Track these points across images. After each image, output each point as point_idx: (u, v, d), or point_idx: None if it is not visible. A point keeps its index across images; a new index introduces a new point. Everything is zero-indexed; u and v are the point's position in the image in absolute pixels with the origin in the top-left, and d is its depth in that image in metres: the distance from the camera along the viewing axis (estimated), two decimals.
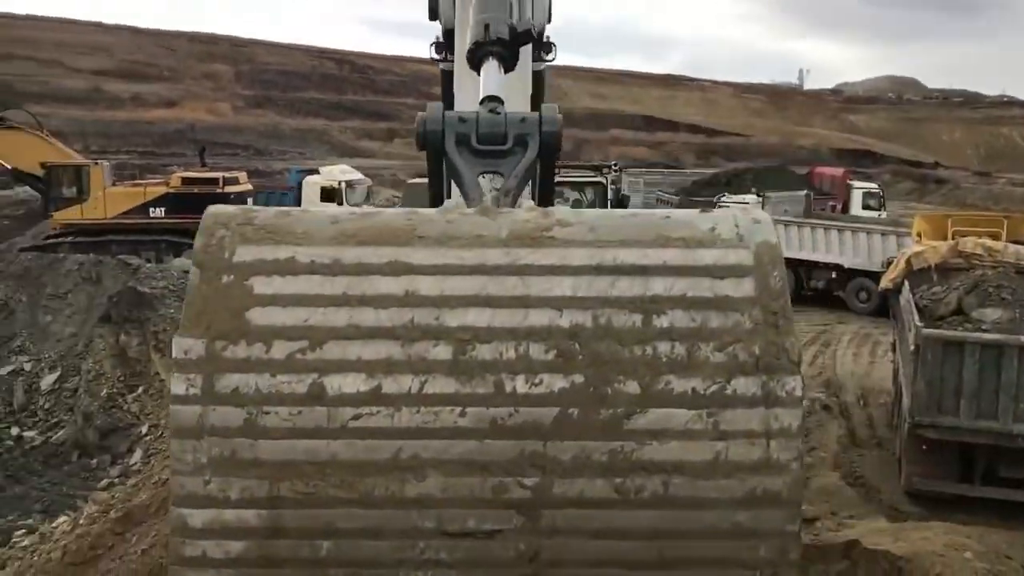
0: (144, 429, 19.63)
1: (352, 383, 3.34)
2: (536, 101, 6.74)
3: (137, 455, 18.86)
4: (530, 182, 4.72)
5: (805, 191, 35.93)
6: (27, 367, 22.18)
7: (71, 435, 19.94)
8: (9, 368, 22.14)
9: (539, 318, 3.38)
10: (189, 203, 30.03)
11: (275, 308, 3.40)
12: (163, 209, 30.09)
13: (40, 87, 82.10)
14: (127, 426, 19.83)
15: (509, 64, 4.97)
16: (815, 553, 11.26)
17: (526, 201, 4.27)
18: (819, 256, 28.16)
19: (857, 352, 22.36)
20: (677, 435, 3.33)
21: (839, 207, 38.93)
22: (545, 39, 7.08)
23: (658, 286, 3.48)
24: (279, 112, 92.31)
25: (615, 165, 13.46)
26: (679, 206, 29.89)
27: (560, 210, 3.95)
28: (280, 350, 3.35)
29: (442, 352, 3.33)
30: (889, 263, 18.95)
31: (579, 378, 3.34)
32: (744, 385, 3.37)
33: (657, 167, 63.78)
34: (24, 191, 43.84)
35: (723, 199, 32.83)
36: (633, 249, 3.55)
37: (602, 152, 77.31)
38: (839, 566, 11.09)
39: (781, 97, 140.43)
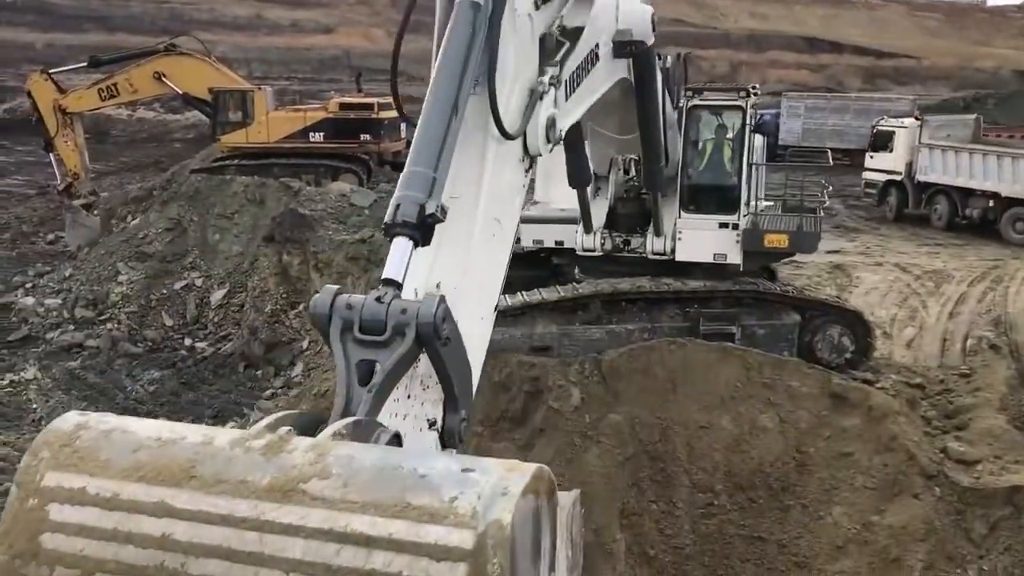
0: (304, 344, 20.64)
1: None
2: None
3: (298, 368, 19.89)
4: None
5: (976, 115, 33.54)
6: (198, 283, 23.61)
7: (238, 347, 21.20)
8: (182, 283, 23.62)
9: None
10: (347, 128, 30.87)
11: (60, 536, 3.58)
12: (322, 134, 31.02)
13: (207, 14, 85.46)
14: (289, 341, 20.89)
15: (422, 242, 4.93)
16: (975, 496, 10.81)
17: (334, 426, 4.05)
18: (975, 183, 26.81)
19: None
20: None
21: None
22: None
23: (378, 560, 3.32)
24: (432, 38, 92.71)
25: (755, 88, 12.90)
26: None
27: (336, 453, 3.75)
28: None
29: None
30: None
31: None
32: None
33: (819, 91, 60.77)
34: (194, 115, 46.14)
35: (881, 122, 31.12)
36: (367, 516, 3.43)
37: (759, 75, 74.21)
38: (1002, 512, 10.62)
39: (960, 15, 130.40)
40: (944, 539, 10.56)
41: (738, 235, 13.17)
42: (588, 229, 13.63)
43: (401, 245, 4.83)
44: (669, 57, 13.04)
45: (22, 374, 20.03)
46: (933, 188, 28.30)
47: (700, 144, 13.76)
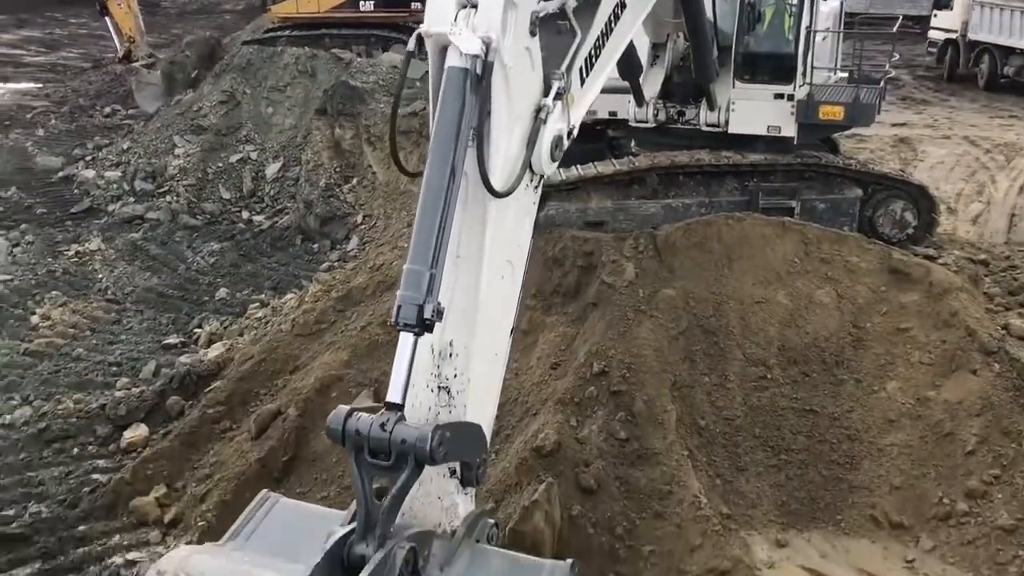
0: (359, 218, 20.79)
1: None
2: None
3: (354, 242, 20.10)
4: None
5: None
6: (253, 156, 23.73)
7: (294, 221, 21.46)
8: (237, 156, 23.77)
9: None
10: None
11: None
12: (372, 2, 30.40)
13: None
14: (344, 215, 21.05)
15: (424, 333, 5.54)
16: None
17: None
18: (1014, 41, 26.92)
19: None
20: None
21: None
22: None
23: None
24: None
25: None
26: None
27: None
28: None
29: None
30: None
31: None
32: None
33: None
34: None
35: None
36: None
37: None
38: None
39: None
40: (1000, 415, 10.49)
41: (793, 107, 12.74)
42: (639, 103, 13.32)
43: (406, 341, 5.51)
44: None
45: (87, 245, 20.57)
46: (980, 46, 28.57)
47: (757, 9, 13.19)
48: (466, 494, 6.23)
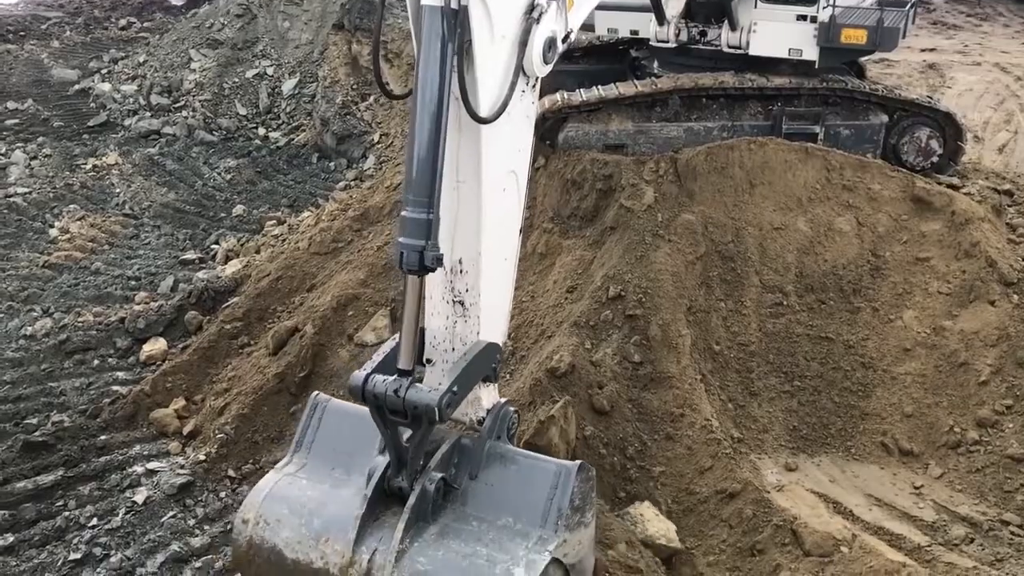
0: (376, 137, 20.63)
1: None
2: None
3: (370, 161, 19.99)
4: None
5: None
6: (269, 72, 23.48)
7: (311, 138, 21.33)
8: (254, 71, 23.53)
9: None
10: None
11: None
12: None
13: None
14: (361, 133, 20.88)
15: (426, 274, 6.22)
16: None
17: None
18: None
19: None
20: None
21: None
22: None
23: None
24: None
25: None
26: None
27: None
28: None
29: None
30: None
31: None
32: None
33: None
34: None
35: None
36: None
37: None
38: None
39: None
40: (1016, 345, 10.47)
41: (816, 29, 12.41)
42: (660, 21, 13.01)
43: (412, 282, 6.24)
44: None
45: (103, 159, 20.55)
46: None
47: None
48: (487, 387, 7.16)
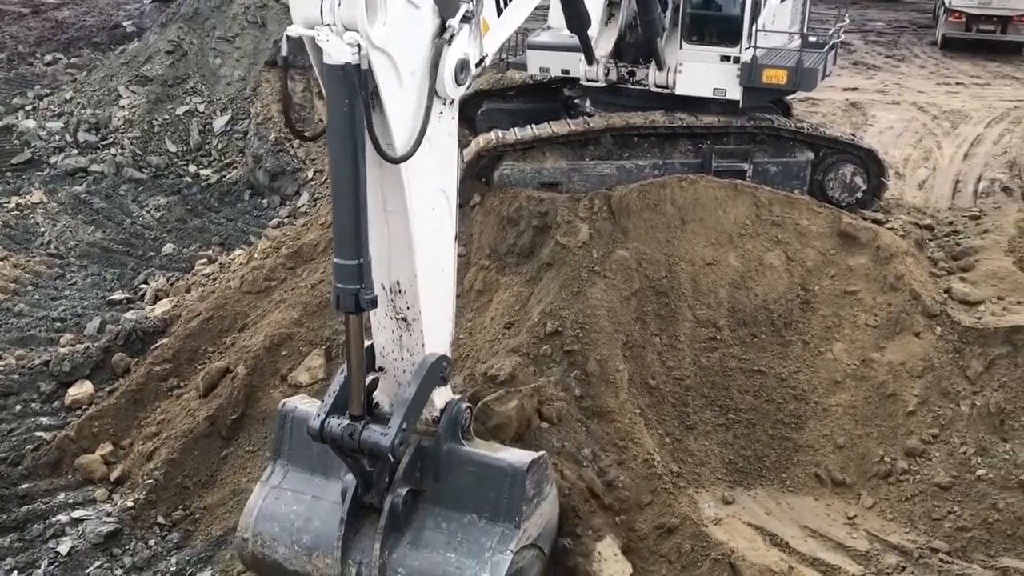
0: (310, 174, 20.47)
1: None
2: None
3: (304, 197, 19.81)
4: None
5: None
6: (200, 108, 23.17)
7: (243, 175, 21.04)
8: (184, 108, 23.19)
9: None
10: None
11: None
12: None
13: None
14: (294, 170, 20.70)
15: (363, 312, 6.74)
16: (974, 335, 10.95)
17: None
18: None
19: None
20: None
21: None
22: None
23: None
24: None
25: None
26: None
27: None
28: None
29: None
30: None
31: None
32: None
33: None
34: None
35: None
36: None
37: None
38: (999, 350, 10.77)
39: None
40: (941, 376, 10.77)
41: (739, 69, 12.75)
42: (589, 61, 13.23)
43: (352, 322, 6.76)
44: None
45: (28, 197, 20.00)
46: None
47: None
48: (439, 389, 7.68)
